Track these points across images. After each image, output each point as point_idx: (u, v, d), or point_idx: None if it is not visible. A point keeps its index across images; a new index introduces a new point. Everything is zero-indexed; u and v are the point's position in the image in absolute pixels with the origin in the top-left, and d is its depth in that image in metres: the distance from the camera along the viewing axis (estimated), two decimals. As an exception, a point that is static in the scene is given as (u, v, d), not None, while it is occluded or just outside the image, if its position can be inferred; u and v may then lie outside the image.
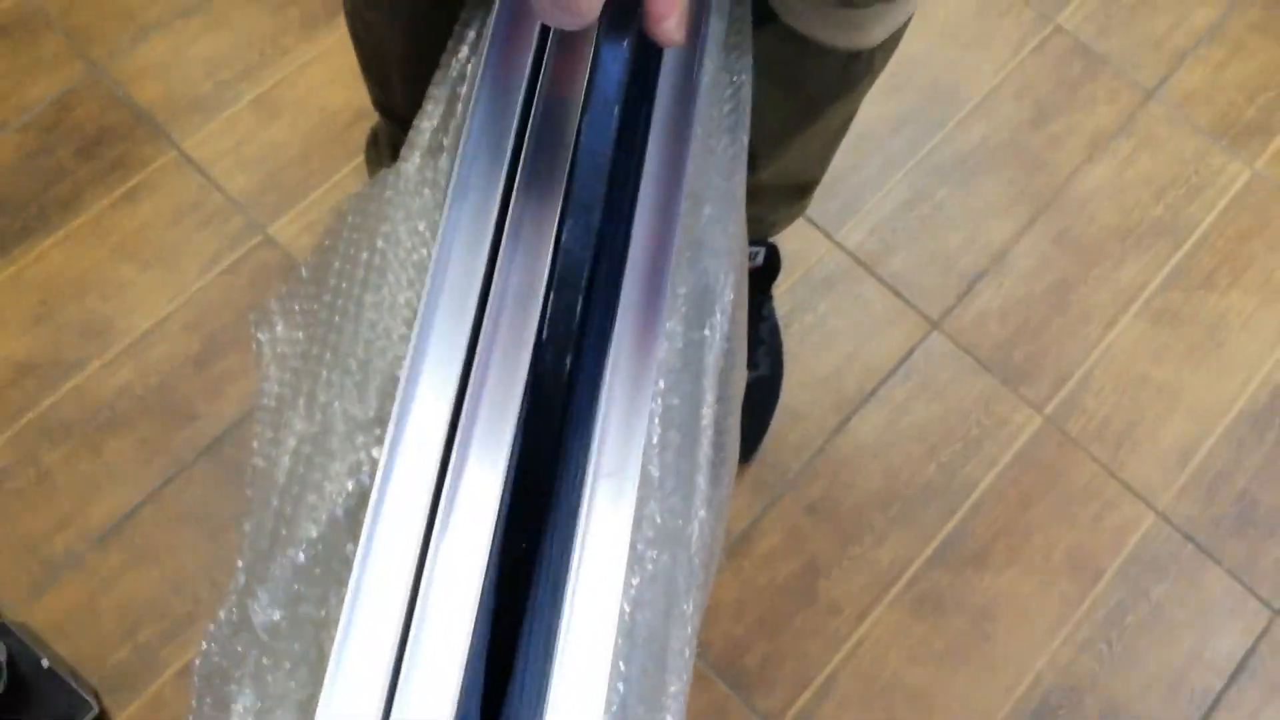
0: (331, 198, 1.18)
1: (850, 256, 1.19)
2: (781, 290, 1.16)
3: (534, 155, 0.44)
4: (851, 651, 1.02)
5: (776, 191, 0.95)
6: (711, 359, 0.65)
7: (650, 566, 0.49)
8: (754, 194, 0.90)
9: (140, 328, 1.11)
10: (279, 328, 0.61)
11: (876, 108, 1.26)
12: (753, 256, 1.05)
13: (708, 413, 0.64)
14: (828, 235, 1.20)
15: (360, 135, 1.20)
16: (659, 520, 0.52)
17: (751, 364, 1.08)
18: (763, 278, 1.08)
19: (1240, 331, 1.18)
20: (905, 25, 0.75)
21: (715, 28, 0.66)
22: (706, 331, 0.65)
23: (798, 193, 0.98)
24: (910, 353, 1.15)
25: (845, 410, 1.12)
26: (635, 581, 0.46)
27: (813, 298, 1.17)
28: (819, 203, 1.19)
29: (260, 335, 0.64)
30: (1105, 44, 1.32)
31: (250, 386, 1.10)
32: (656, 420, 0.55)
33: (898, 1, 0.68)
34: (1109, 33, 1.33)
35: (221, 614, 0.47)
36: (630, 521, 0.40)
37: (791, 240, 1.17)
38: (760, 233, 1.04)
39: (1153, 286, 1.20)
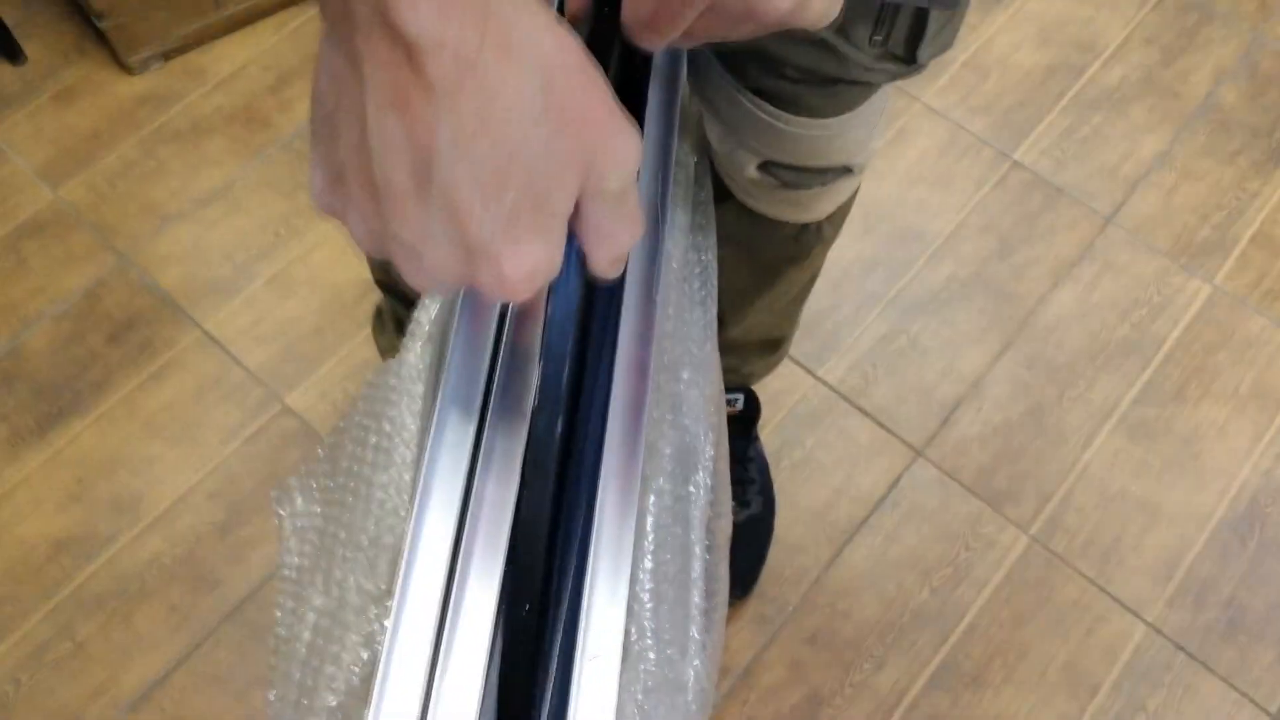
0: (344, 367, 1.26)
1: (833, 391, 1.26)
2: (769, 428, 1.22)
3: (507, 370, 0.51)
4: (858, 781, 1.05)
5: (747, 346, 1.01)
6: (698, 512, 0.71)
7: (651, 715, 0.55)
8: (726, 348, 0.98)
9: (167, 500, 1.18)
10: (298, 503, 0.67)
11: (850, 250, 1.35)
12: (733, 403, 1.11)
13: (698, 565, 0.70)
14: (810, 372, 1.26)
15: (368, 307, 1.28)
16: (655, 671, 0.58)
17: (744, 502, 1.14)
18: (745, 421, 1.14)
19: (1215, 441, 1.23)
20: (852, 198, 0.83)
21: (680, 217, 0.74)
22: (691, 488, 0.72)
23: (769, 347, 1.04)
24: (897, 481, 1.20)
25: (838, 541, 1.17)
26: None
27: (800, 433, 1.23)
28: (800, 342, 1.26)
29: (281, 510, 0.70)
30: (1062, 176, 1.41)
31: (271, 550, 1.17)
32: (648, 576, 0.61)
33: (836, 185, 0.76)
34: (1064, 166, 1.42)
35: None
36: (614, 704, 0.45)
37: (776, 379, 1.24)
38: (739, 381, 1.10)
39: (1125, 403, 1.25)
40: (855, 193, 0.83)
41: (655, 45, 0.42)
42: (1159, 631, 1.13)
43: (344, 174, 0.32)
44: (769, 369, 1.09)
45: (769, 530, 1.15)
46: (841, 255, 1.35)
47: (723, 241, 0.80)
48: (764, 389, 1.20)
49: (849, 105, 0.66)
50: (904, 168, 1.41)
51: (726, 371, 1.05)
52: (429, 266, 0.32)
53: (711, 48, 0.66)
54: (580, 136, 0.32)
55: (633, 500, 0.49)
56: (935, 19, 0.61)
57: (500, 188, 0.31)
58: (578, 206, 0.33)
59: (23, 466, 1.20)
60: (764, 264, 0.87)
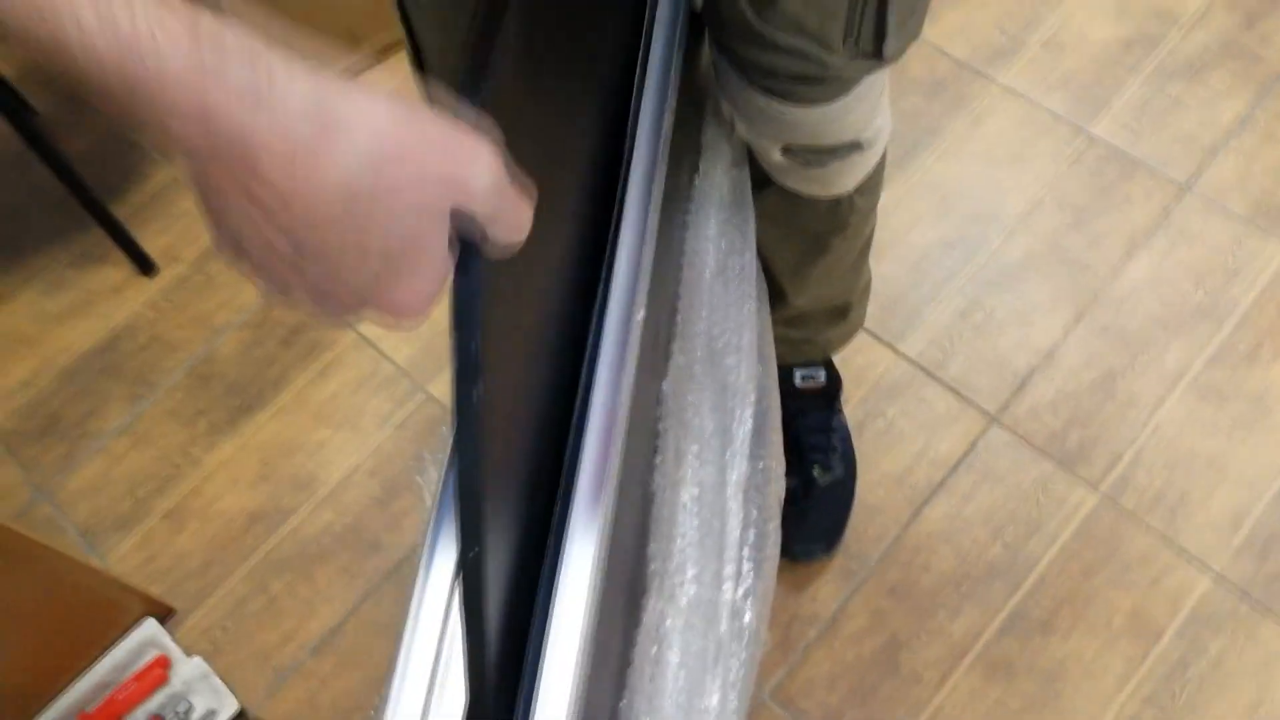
0: (476, 358, 1.45)
1: (913, 364, 1.37)
2: (854, 402, 1.34)
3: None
4: (933, 716, 1.18)
5: (816, 316, 1.14)
6: (735, 477, 0.86)
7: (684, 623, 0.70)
8: (797, 321, 1.13)
9: (336, 478, 1.40)
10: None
11: (929, 232, 1.45)
12: (814, 377, 1.24)
13: (734, 520, 0.85)
14: (891, 347, 1.38)
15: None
16: (693, 598, 0.73)
17: (827, 467, 1.27)
18: (827, 396, 1.27)
19: (1286, 400, 1.29)
20: (877, 169, 0.96)
21: (711, 225, 0.89)
22: (727, 456, 0.86)
23: (837, 315, 1.16)
24: (972, 446, 1.31)
25: (917, 502, 1.29)
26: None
27: (881, 404, 1.35)
28: (882, 319, 1.38)
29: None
30: (1138, 147, 1.47)
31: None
32: (691, 531, 0.77)
33: (852, 159, 0.88)
34: (1141, 137, 1.47)
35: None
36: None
37: (859, 355, 1.36)
38: (816, 353, 1.23)
39: (1197, 366, 1.32)
40: (880, 165, 0.95)
41: None
42: (1224, 579, 1.20)
43: (236, 243, 0.36)
44: (843, 338, 1.21)
45: (851, 493, 1.28)
46: (920, 237, 1.45)
47: (770, 222, 0.97)
48: (848, 366, 1.32)
49: (839, 94, 0.80)
50: (981, 149, 1.50)
51: (802, 344, 1.19)
52: (329, 310, 0.38)
53: (722, 55, 0.81)
54: (423, 179, 0.36)
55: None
56: (894, 15, 0.73)
57: (363, 252, 0.35)
58: (461, 209, 0.38)
59: (220, 453, 1.44)
60: (810, 237, 1.01)
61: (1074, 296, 1.38)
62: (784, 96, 0.79)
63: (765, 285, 1.03)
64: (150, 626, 1.28)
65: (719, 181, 0.90)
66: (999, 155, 1.49)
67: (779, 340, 1.13)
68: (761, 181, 0.93)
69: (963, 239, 1.44)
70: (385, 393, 1.45)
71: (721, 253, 0.90)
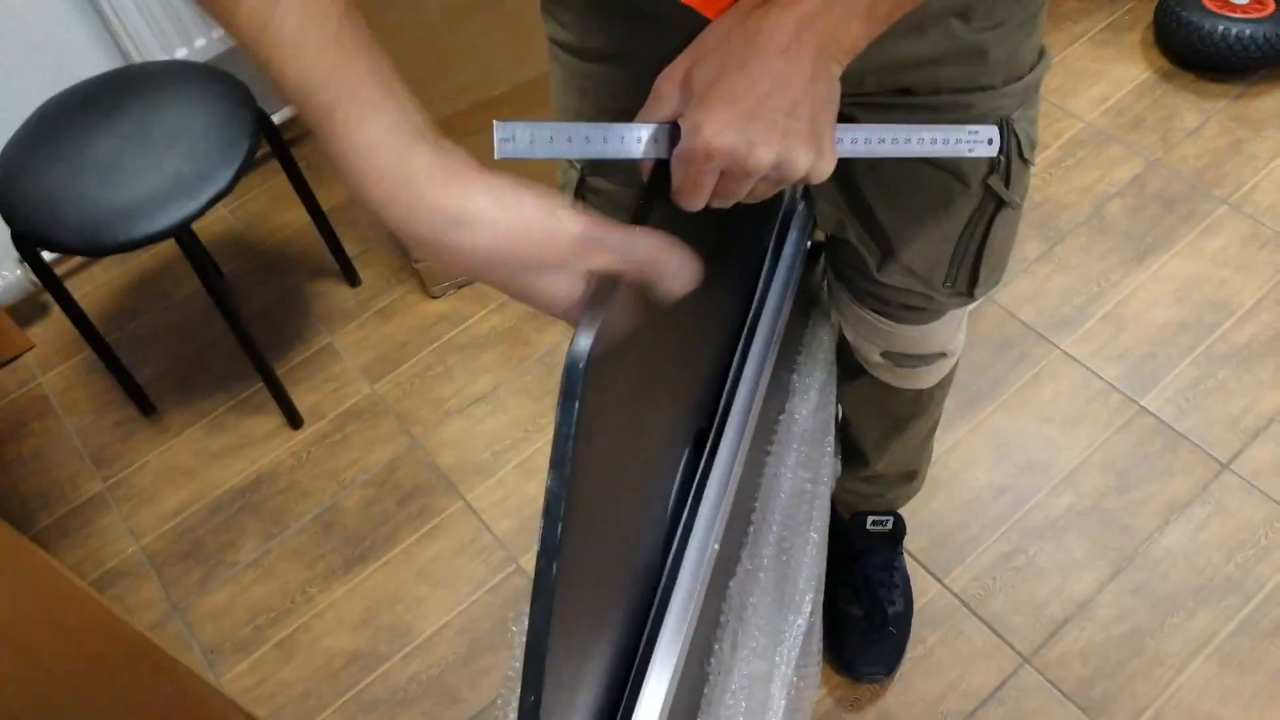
0: (565, 539, 1.63)
1: (956, 598, 1.50)
2: (897, 625, 1.48)
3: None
4: None
5: (890, 478, 1.37)
6: (781, 673, 1.01)
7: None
8: (872, 480, 1.39)
9: (428, 631, 1.58)
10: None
11: (982, 476, 1.60)
12: (885, 523, 1.46)
13: (775, 715, 0.99)
14: (938, 579, 1.52)
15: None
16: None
17: (890, 601, 1.46)
18: (893, 539, 1.48)
19: (1305, 680, 1.37)
20: (953, 370, 1.19)
21: (813, 395, 1.06)
22: (776, 656, 1.01)
23: (907, 478, 1.40)
24: (1003, 683, 1.42)
25: (946, 729, 1.40)
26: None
27: (924, 631, 1.48)
28: (931, 551, 1.52)
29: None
30: (1184, 423, 1.61)
31: (499, 677, 1.53)
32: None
33: (938, 364, 1.12)
34: (1187, 413, 1.62)
35: None
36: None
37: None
38: (888, 505, 1.46)
39: (1222, 635, 1.42)
40: (955, 367, 1.18)
41: (693, 207, 0.59)
42: (1231, 847, 1.27)
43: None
44: (909, 495, 1.44)
45: (909, 626, 1.47)
46: (974, 479, 1.60)
47: (862, 404, 1.24)
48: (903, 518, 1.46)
49: (934, 318, 1.03)
50: (1038, 406, 1.66)
51: (875, 498, 1.44)
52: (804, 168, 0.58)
53: (840, 282, 1.04)
54: (533, 268, 0.54)
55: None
56: (985, 267, 0.94)
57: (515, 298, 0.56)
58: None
59: (332, 594, 1.63)
60: (894, 418, 1.23)
61: (1111, 554, 1.51)
62: (890, 318, 1.03)
63: (829, 516, 1.20)
64: (252, 745, 1.46)
65: (803, 420, 1.09)
66: (1054, 414, 1.65)
67: (855, 494, 1.42)
68: (856, 371, 1.17)
69: (1013, 486, 1.59)
70: (481, 559, 1.63)
71: (799, 480, 1.08)
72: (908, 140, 0.64)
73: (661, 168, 0.60)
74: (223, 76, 1.60)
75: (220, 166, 1.49)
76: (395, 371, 1.86)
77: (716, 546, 0.80)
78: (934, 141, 0.65)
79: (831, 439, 1.14)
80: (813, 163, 0.57)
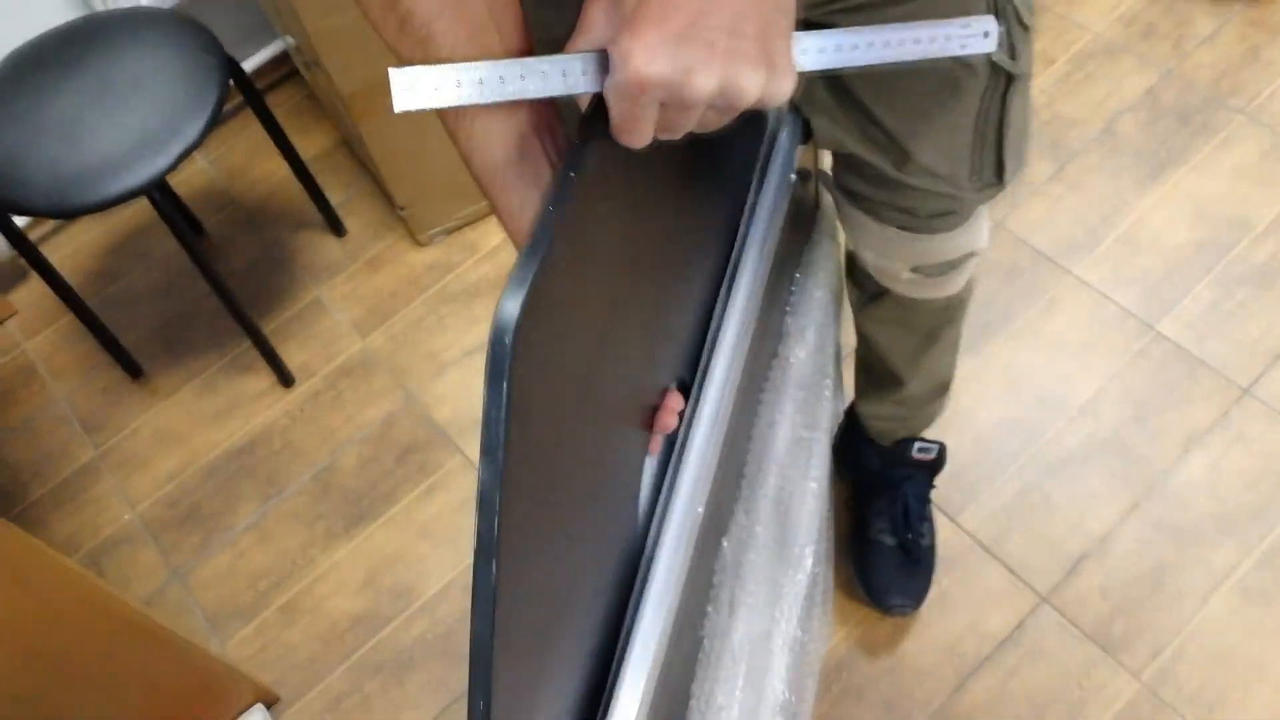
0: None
1: (971, 538, 1.46)
2: (911, 567, 1.44)
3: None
4: None
5: (925, 396, 1.33)
6: (782, 631, 0.97)
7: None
8: (912, 401, 1.33)
9: (432, 590, 1.55)
10: None
11: (995, 411, 1.55)
12: (930, 450, 1.41)
13: (777, 676, 0.96)
14: (951, 519, 1.48)
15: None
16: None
17: (921, 534, 1.42)
18: (933, 468, 1.43)
19: (1331, 610, 1.34)
20: (977, 268, 1.12)
21: (810, 337, 1.01)
22: (775, 613, 0.98)
23: (940, 391, 1.34)
24: (1021, 623, 1.39)
25: (964, 673, 1.37)
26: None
27: (938, 573, 1.44)
28: (944, 490, 1.48)
29: None
30: (1203, 348, 1.55)
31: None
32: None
33: (967, 265, 1.05)
34: (1206, 338, 1.56)
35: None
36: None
37: (920, 525, 1.46)
38: (926, 423, 1.40)
39: (1245, 567, 1.38)
40: (979, 264, 1.12)
41: (636, 144, 0.51)
42: (1257, 782, 1.25)
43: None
44: (938, 411, 1.39)
45: (934, 559, 1.44)
46: (987, 414, 1.55)
47: (887, 325, 1.18)
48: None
49: (963, 220, 0.98)
50: (1051, 336, 1.60)
51: (911, 420, 1.38)
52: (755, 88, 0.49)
53: (854, 203, 0.98)
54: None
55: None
56: (1008, 150, 0.89)
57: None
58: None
59: (333, 555, 1.60)
60: (924, 332, 1.19)
61: (1130, 487, 1.46)
62: (918, 230, 0.97)
63: (830, 462, 1.15)
64: (258, 712, 1.44)
65: (799, 364, 1.03)
66: (1068, 344, 1.59)
67: (893, 419, 1.36)
68: (877, 293, 1.12)
69: (1027, 421, 1.54)
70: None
71: (796, 428, 1.03)
72: (885, 44, 0.55)
73: (600, 101, 0.52)
74: (188, 23, 1.51)
75: (189, 118, 1.42)
76: (386, 324, 1.81)
77: (701, 510, 0.76)
78: (917, 42, 0.56)
79: (830, 381, 1.08)
80: (764, 84, 0.49)
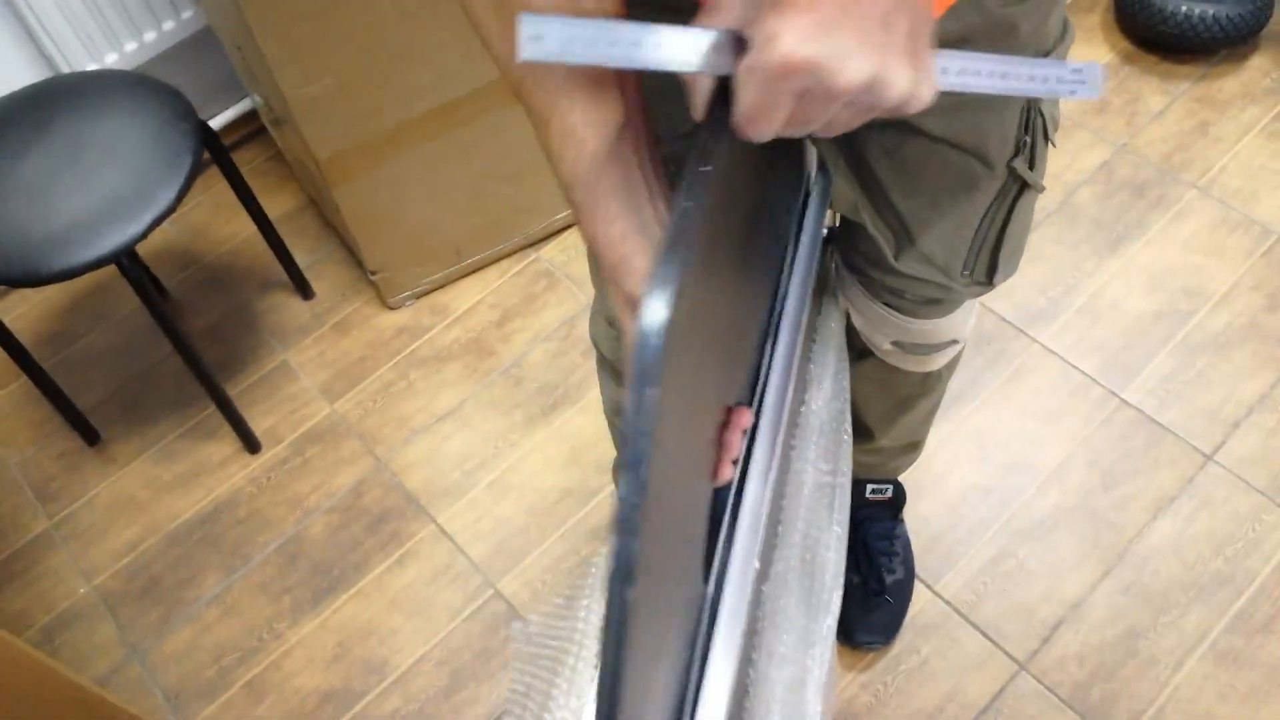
0: (546, 559, 1.57)
1: (948, 605, 1.47)
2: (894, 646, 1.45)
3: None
4: None
5: (894, 450, 1.35)
6: (815, 677, 0.96)
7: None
8: (879, 451, 1.35)
9: (405, 664, 1.51)
10: (533, 630, 0.97)
11: (967, 477, 1.57)
12: (884, 491, 1.46)
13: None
14: (929, 586, 1.49)
15: (564, 510, 1.61)
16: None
17: (890, 570, 1.45)
18: (894, 506, 1.47)
19: (1298, 674, 1.37)
20: (960, 354, 1.16)
21: (827, 384, 1.01)
22: (809, 660, 0.97)
23: (909, 449, 1.38)
24: (1001, 691, 1.40)
25: (945, 741, 1.37)
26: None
27: (916, 641, 1.45)
28: (921, 557, 1.49)
29: (517, 638, 0.99)
30: (1166, 415, 1.59)
31: (484, 710, 1.47)
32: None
33: (947, 349, 1.09)
34: (1168, 405, 1.60)
35: None
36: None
37: (898, 593, 1.47)
38: (889, 473, 1.45)
39: (1216, 632, 1.41)
40: (963, 349, 1.16)
41: (762, 136, 0.48)
42: None
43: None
44: (909, 464, 1.44)
45: (909, 593, 1.47)
46: (960, 481, 1.57)
47: (869, 384, 1.19)
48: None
49: (949, 310, 1.01)
50: (1019, 403, 1.63)
51: (876, 467, 1.41)
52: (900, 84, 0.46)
53: (852, 273, 1.00)
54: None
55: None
56: (1004, 254, 0.91)
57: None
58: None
59: (301, 630, 1.56)
60: (900, 398, 1.21)
61: (1100, 553, 1.49)
62: (904, 311, 1.00)
63: (849, 507, 1.16)
64: (225, 797, 1.39)
65: (819, 411, 1.04)
66: (1036, 410, 1.62)
67: (856, 464, 1.36)
68: (863, 353, 1.14)
69: (999, 487, 1.56)
70: (457, 586, 1.57)
71: (820, 473, 1.04)
72: (1004, 75, 0.54)
73: (719, 93, 0.50)
74: (159, 86, 1.50)
75: (161, 185, 1.39)
76: (355, 389, 1.78)
77: (758, 564, 0.75)
78: (1032, 79, 0.54)
79: (848, 427, 1.10)
80: (912, 84, 0.46)
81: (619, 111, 0.57)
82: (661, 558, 0.54)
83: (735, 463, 0.73)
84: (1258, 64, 1.98)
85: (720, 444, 0.70)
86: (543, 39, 0.48)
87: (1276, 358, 1.63)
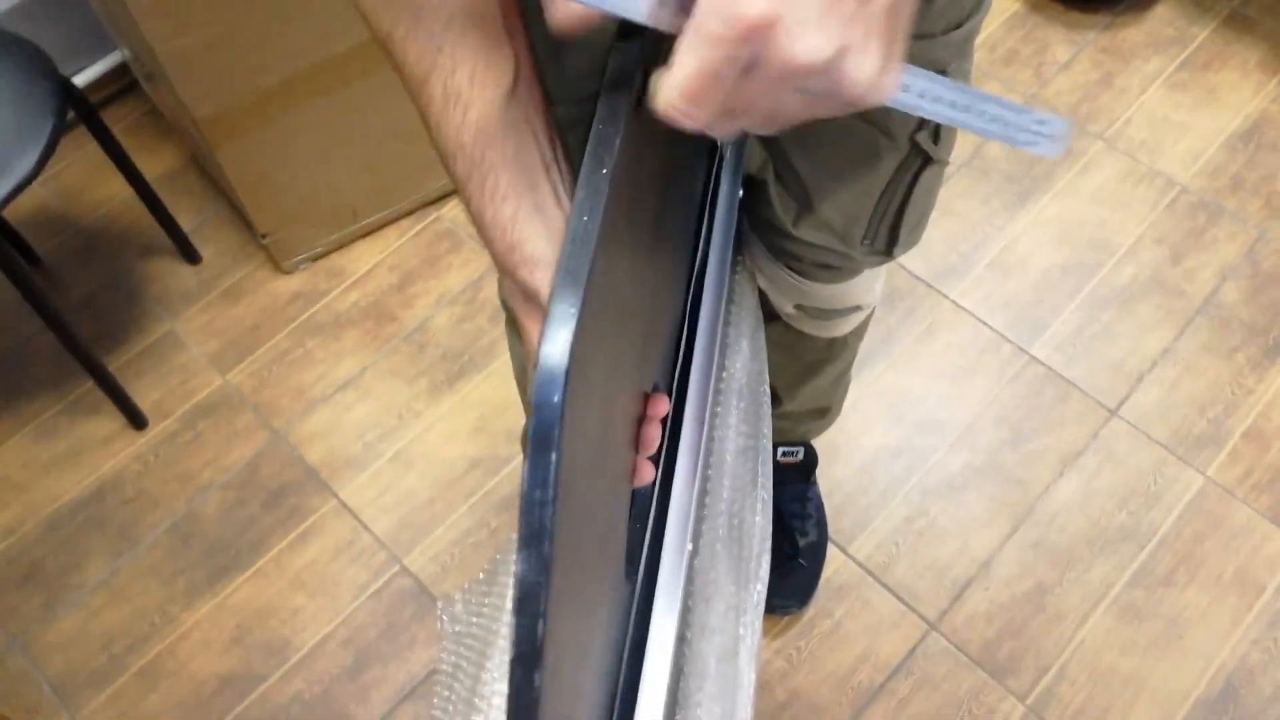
0: (453, 533, 1.52)
1: (861, 567, 1.47)
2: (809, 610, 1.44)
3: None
4: None
5: (801, 414, 1.33)
6: (747, 646, 0.94)
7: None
8: (785, 416, 1.32)
9: (308, 645, 1.46)
10: (458, 611, 0.93)
11: (879, 437, 1.56)
12: (794, 454, 1.44)
13: (746, 689, 0.93)
14: (842, 549, 1.48)
15: (473, 481, 1.56)
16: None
17: (803, 532, 1.44)
18: (805, 469, 1.46)
19: (1197, 625, 1.40)
20: (868, 319, 1.13)
21: (745, 346, 0.98)
22: (740, 628, 0.94)
23: (818, 414, 1.36)
24: (912, 651, 1.40)
25: (859, 704, 1.37)
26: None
27: (830, 604, 1.44)
28: (834, 520, 1.48)
29: (444, 616, 0.95)
30: (1072, 370, 1.60)
31: (390, 691, 1.43)
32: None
33: (851, 315, 1.07)
34: (1075, 360, 1.61)
35: None
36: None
37: (811, 556, 1.46)
38: (798, 438, 1.43)
39: (1119, 586, 1.43)
40: (870, 315, 1.13)
41: (691, 120, 0.40)
42: (1137, 797, 1.30)
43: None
44: (820, 429, 1.41)
45: (823, 555, 1.46)
46: (871, 441, 1.56)
47: (774, 348, 1.14)
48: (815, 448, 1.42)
49: (849, 276, 0.98)
50: (930, 361, 1.62)
51: (786, 431, 1.38)
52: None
53: (754, 231, 0.95)
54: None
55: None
56: (905, 225, 0.89)
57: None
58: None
59: (195, 612, 1.49)
60: (807, 363, 1.19)
61: (1010, 510, 1.50)
62: (804, 275, 0.97)
63: (772, 470, 1.14)
64: (118, 793, 1.32)
65: (739, 374, 1.01)
66: (946, 368, 1.62)
67: None
68: (770, 316, 1.10)
69: (910, 446, 1.56)
70: (362, 563, 1.51)
71: (742, 436, 1.00)
72: (966, 109, 0.48)
73: (634, 56, 0.43)
74: (16, 40, 1.38)
75: (18, 152, 1.29)
76: (249, 359, 1.69)
77: (691, 546, 0.72)
78: (993, 120, 0.48)
79: (766, 388, 1.07)
80: (876, 72, 0.39)
81: (510, 70, 0.51)
82: (573, 603, 0.50)
83: (656, 459, 0.69)
84: (1161, 13, 1.98)
85: (637, 441, 0.66)
86: None
87: (1178, 310, 1.64)
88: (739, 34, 0.37)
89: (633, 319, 0.58)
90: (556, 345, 0.39)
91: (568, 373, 0.38)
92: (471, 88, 0.50)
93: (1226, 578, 1.43)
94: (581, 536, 0.48)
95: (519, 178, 0.51)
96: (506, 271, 0.53)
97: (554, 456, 0.38)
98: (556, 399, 0.38)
